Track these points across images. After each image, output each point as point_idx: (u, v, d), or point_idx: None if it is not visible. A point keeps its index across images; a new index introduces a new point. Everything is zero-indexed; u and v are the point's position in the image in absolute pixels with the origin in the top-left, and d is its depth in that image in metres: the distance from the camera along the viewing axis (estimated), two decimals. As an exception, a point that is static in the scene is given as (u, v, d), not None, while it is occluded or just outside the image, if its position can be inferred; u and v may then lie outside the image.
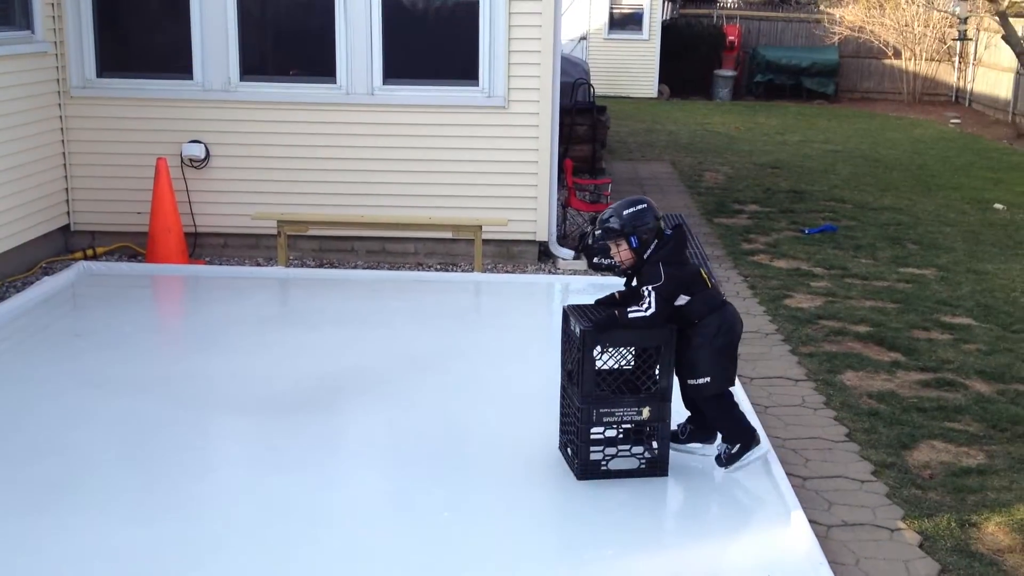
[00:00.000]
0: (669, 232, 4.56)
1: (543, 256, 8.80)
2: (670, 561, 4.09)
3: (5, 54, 7.70)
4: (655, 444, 4.63)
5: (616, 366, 4.65)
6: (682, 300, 4.48)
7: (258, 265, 8.56)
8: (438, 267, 8.66)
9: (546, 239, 8.72)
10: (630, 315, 4.43)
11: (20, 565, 3.92)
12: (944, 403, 5.80)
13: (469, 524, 4.35)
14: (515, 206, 8.50)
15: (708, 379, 4.54)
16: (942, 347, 6.76)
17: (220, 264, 8.57)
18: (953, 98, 24.13)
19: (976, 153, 16.29)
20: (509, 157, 8.54)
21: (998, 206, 11.79)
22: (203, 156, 8.55)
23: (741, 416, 4.71)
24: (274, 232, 8.24)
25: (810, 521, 4.32)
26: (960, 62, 23.89)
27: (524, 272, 8.47)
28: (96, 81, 8.53)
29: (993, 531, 4.40)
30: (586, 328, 4.45)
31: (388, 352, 6.36)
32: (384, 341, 6.61)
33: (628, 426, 4.59)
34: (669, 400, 4.60)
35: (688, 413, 4.81)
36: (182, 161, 8.54)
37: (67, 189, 8.63)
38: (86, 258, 8.49)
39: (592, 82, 13.54)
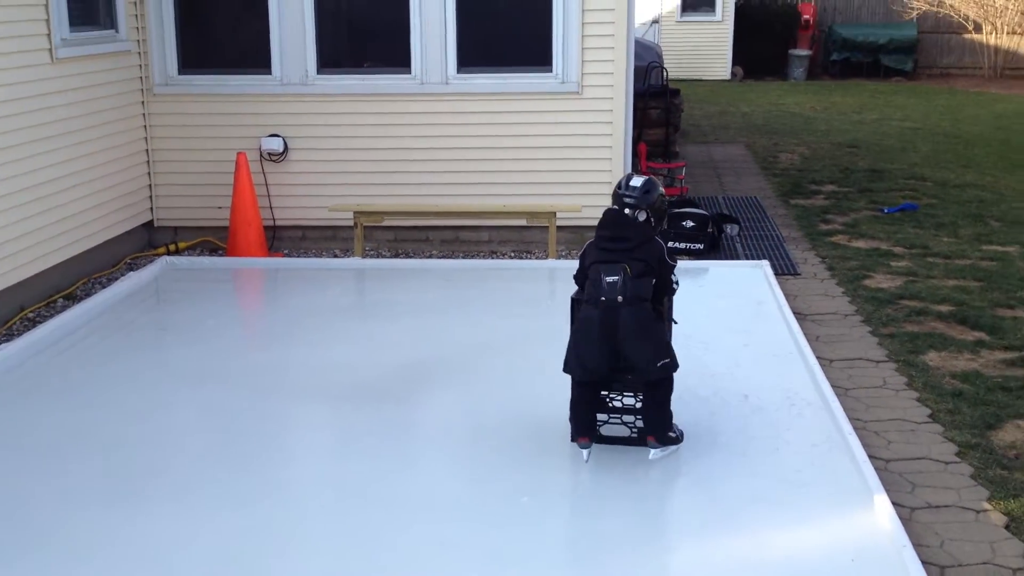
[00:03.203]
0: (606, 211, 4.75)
1: (617, 241, 8.78)
2: (749, 543, 4.09)
3: (91, 53, 7.93)
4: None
5: None
6: None
7: (335, 257, 8.70)
8: (512, 255, 8.71)
9: (620, 224, 8.70)
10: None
11: (108, 554, 4.04)
12: (1030, 383, 5.69)
13: (548, 508, 4.40)
14: (589, 191, 8.49)
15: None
16: (1028, 326, 6.63)
17: (298, 256, 8.73)
18: (1037, 71, 23.46)
19: (1062, 127, 15.83)
20: (583, 143, 8.55)
21: (1086, 181, 11.46)
22: (281, 149, 8.70)
23: (572, 408, 4.75)
24: (350, 224, 8.36)
25: (893, 503, 4.28)
26: (1044, 34, 23.23)
27: (598, 258, 8.46)
28: (177, 78, 8.73)
29: (1083, 512, 4.32)
30: None
31: (464, 340, 6.44)
32: (460, 329, 6.68)
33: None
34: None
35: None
36: (261, 155, 8.70)
37: (150, 185, 8.86)
38: (169, 253, 8.71)
39: (665, 65, 13.44)
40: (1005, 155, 13.23)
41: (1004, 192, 10.85)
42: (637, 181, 4.69)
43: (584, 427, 4.71)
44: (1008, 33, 23.37)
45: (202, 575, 3.90)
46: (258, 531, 4.19)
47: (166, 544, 4.09)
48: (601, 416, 4.86)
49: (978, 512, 4.36)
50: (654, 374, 4.60)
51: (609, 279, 4.54)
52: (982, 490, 4.53)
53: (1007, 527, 4.23)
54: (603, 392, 4.83)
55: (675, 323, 4.91)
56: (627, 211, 4.65)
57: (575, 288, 4.91)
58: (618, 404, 4.90)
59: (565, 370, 4.72)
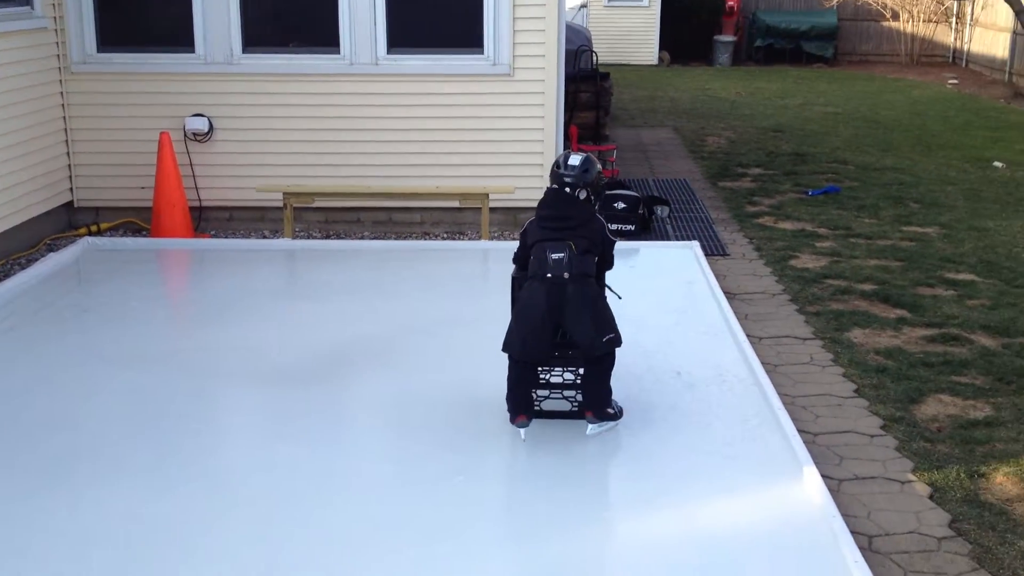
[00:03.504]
0: (547, 190, 4.77)
1: (548, 223, 8.80)
2: (684, 517, 4.14)
3: (5, 31, 7.69)
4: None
5: None
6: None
7: (264, 238, 8.59)
8: (445, 236, 8.68)
9: (551, 206, 8.72)
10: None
11: (35, 540, 3.94)
12: (950, 358, 5.84)
13: (484, 487, 4.40)
14: (521, 173, 8.50)
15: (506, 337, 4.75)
16: (946, 303, 6.80)
17: (226, 238, 8.60)
18: (950, 59, 24.04)
19: (974, 113, 16.27)
20: (515, 125, 8.54)
21: (997, 164, 11.79)
22: (206, 129, 8.55)
23: (510, 387, 4.75)
24: (279, 205, 8.26)
25: (822, 476, 4.37)
26: (957, 23, 23.80)
27: (529, 239, 8.48)
28: (96, 56, 8.52)
29: (1001, 481, 4.45)
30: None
31: (396, 322, 6.41)
32: (392, 311, 6.64)
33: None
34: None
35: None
36: (185, 135, 8.54)
37: (70, 165, 8.64)
38: (90, 234, 8.51)
39: (594, 49, 13.49)
40: (922, 139, 13.56)
41: (922, 175, 11.11)
42: (575, 160, 4.70)
43: (522, 405, 4.72)
44: (924, 21, 23.91)
45: (128, 562, 3.81)
46: (187, 517, 4.12)
47: (93, 532, 4.00)
48: (542, 392, 4.90)
49: (903, 483, 4.47)
50: (600, 349, 4.64)
51: (555, 256, 4.57)
52: (907, 462, 4.65)
53: (931, 497, 4.34)
54: (539, 368, 4.85)
55: (619, 298, 4.95)
56: (567, 190, 4.66)
57: (510, 268, 4.91)
58: (557, 380, 4.94)
59: (504, 349, 4.72)
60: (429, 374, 5.57)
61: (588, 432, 4.77)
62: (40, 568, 3.78)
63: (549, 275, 4.58)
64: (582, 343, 4.64)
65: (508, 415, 4.76)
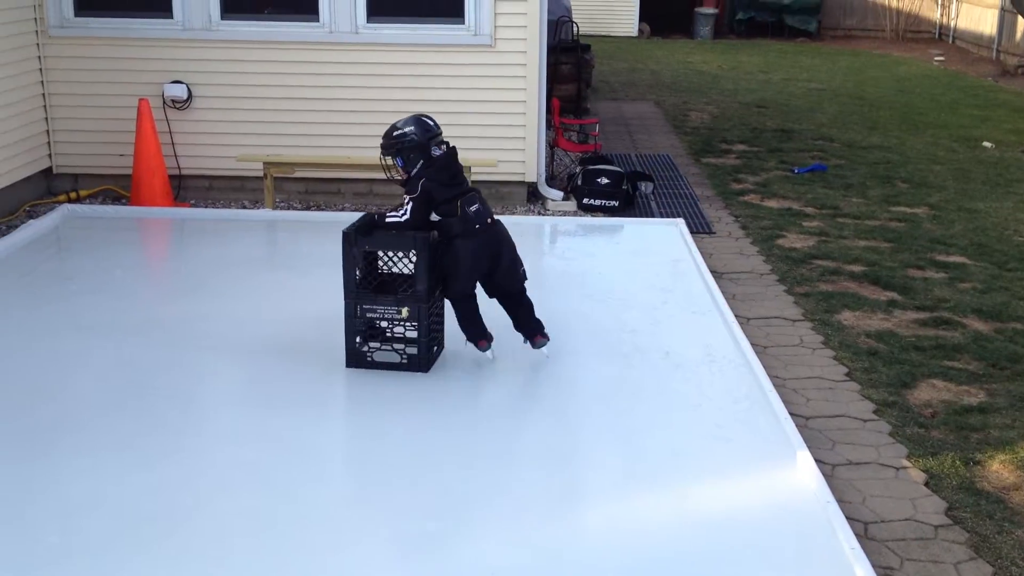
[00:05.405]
0: (438, 153, 5.02)
1: (532, 197, 8.71)
2: (674, 498, 4.07)
3: (-21, -8, 7.48)
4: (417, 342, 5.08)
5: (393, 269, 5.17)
6: (435, 217, 4.98)
7: (244, 208, 8.43)
8: (427, 209, 8.54)
9: (535, 180, 8.62)
10: (388, 219, 5.03)
11: (22, 512, 3.86)
12: (942, 342, 5.78)
13: (473, 469, 4.30)
14: (504, 147, 8.38)
15: (452, 287, 5.10)
16: (937, 286, 6.75)
17: (206, 207, 8.44)
18: (936, 35, 23.98)
19: (961, 91, 16.21)
20: (497, 97, 8.40)
21: (987, 144, 11.75)
22: (185, 97, 8.36)
23: (472, 321, 5.16)
24: (260, 174, 8.10)
25: (815, 460, 4.30)
26: (943, -2, 23.75)
27: (513, 213, 8.36)
28: (74, 20, 8.31)
29: (997, 469, 4.40)
30: (347, 229, 4.99)
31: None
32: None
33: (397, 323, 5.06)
34: (425, 302, 4.97)
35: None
36: (164, 102, 8.36)
37: (48, 131, 8.45)
38: (70, 201, 8.35)
39: (574, 20, 13.33)
40: (908, 117, 13.49)
41: (909, 154, 11.05)
42: (429, 119, 5.10)
43: (484, 332, 5.18)
44: (909, -4, 23.84)
45: (116, 533, 3.72)
46: (177, 488, 4.04)
47: (77, 502, 3.92)
48: (374, 344, 5.07)
49: (898, 469, 4.41)
50: (521, 282, 5.17)
51: (472, 208, 4.97)
52: (901, 447, 4.59)
53: (927, 484, 4.29)
54: (378, 321, 5.05)
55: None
56: (445, 147, 5.07)
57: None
58: (389, 332, 5.09)
59: (459, 293, 5.08)
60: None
61: (547, 353, 5.24)
62: (29, 538, 3.69)
63: (478, 226, 4.97)
64: (508, 280, 5.10)
65: (471, 345, 5.18)
